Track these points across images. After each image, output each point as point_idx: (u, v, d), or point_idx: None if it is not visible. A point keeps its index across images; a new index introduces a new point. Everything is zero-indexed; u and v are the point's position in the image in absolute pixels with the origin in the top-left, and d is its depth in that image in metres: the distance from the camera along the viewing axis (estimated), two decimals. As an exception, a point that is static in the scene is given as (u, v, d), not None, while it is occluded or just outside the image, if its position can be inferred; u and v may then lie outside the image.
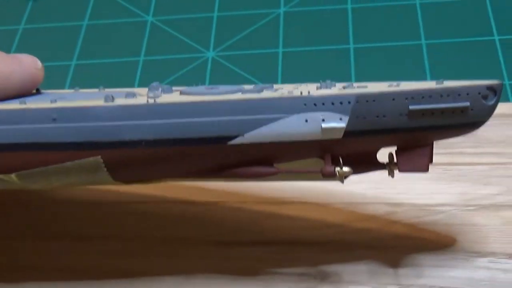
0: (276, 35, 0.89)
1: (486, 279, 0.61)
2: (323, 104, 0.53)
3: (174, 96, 0.57)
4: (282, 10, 0.92)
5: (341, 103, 0.53)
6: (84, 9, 0.95)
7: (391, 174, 0.58)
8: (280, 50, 0.87)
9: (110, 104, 0.55)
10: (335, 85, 0.57)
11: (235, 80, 0.84)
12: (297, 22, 0.90)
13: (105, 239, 0.67)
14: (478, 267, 0.62)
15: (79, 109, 0.55)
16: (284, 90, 0.57)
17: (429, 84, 0.54)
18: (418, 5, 0.90)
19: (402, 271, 0.63)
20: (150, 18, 0.93)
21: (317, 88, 0.55)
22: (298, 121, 0.53)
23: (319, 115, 0.53)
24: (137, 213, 0.69)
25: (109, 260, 0.66)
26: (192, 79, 0.85)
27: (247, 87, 0.59)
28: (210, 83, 0.84)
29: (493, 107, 0.54)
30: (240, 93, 0.56)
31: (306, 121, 0.53)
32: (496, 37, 0.85)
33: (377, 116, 0.53)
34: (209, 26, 0.91)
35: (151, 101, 0.55)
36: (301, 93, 0.53)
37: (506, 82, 0.81)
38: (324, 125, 0.53)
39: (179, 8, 0.94)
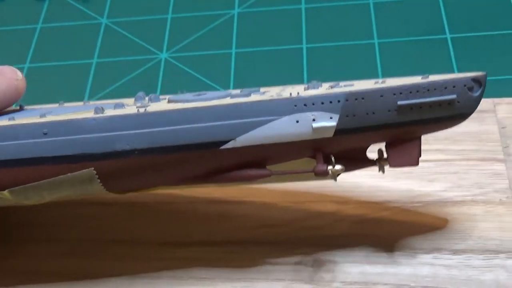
0: (230, 36, 0.90)
1: (430, 275, 0.62)
2: (313, 104, 0.54)
3: (163, 105, 0.57)
4: (236, 11, 0.92)
5: (330, 102, 0.54)
6: (38, 12, 0.95)
7: (382, 170, 0.59)
8: (234, 50, 0.88)
9: (100, 115, 0.55)
10: (321, 85, 0.58)
11: (188, 81, 0.85)
12: (251, 22, 0.91)
13: (54, 241, 0.67)
14: (422, 263, 0.63)
15: (70, 122, 0.55)
16: (272, 92, 0.58)
17: (416, 79, 0.56)
18: (371, 4, 0.90)
19: (345, 268, 0.63)
20: (104, 20, 0.93)
21: (305, 89, 0.57)
22: (289, 122, 0.54)
23: (309, 115, 0.54)
24: (86, 215, 0.69)
25: (57, 262, 0.66)
26: (145, 80, 0.86)
27: (234, 92, 0.60)
28: (163, 85, 0.85)
29: (479, 98, 0.56)
30: (229, 98, 0.57)
31: (297, 121, 0.55)
32: (448, 35, 0.86)
33: (367, 113, 0.55)
34: (163, 27, 0.92)
35: (141, 110, 0.55)
36: (290, 94, 0.55)
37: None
38: (315, 124, 0.55)
39: (133, 10, 0.94)
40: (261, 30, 0.90)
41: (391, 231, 0.65)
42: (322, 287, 0.62)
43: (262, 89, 0.61)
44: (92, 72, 0.87)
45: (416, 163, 0.58)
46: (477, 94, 0.56)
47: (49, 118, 0.56)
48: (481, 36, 0.86)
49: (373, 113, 0.55)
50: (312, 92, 0.55)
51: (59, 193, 0.57)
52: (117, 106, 0.58)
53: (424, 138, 0.67)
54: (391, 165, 0.58)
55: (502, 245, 0.63)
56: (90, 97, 0.84)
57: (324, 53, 0.86)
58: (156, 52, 0.89)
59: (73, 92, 0.85)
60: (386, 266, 0.63)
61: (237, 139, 0.55)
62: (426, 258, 0.63)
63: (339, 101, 0.55)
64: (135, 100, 0.62)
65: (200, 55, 0.87)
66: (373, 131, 0.56)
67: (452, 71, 0.82)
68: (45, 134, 0.55)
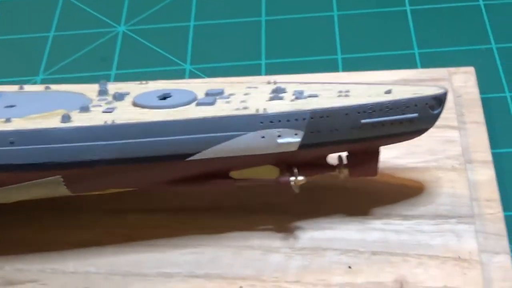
0: (188, 9, 0.89)
1: (379, 240, 0.62)
2: (279, 121, 0.57)
3: (129, 111, 0.59)
4: (195, -17, 0.92)
5: (296, 120, 0.57)
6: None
7: (341, 175, 0.61)
8: (192, 23, 0.88)
9: (67, 125, 0.57)
10: (285, 91, 0.60)
11: (146, 54, 0.84)
12: (211, -5, 0.90)
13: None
14: (372, 229, 0.63)
15: (36, 132, 0.57)
16: (237, 96, 0.60)
17: (378, 95, 0.58)
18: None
19: (295, 234, 0.63)
20: (61, -6, 0.93)
21: (270, 99, 0.59)
22: (255, 137, 0.57)
23: (275, 131, 0.57)
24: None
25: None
26: (102, 53, 0.85)
27: (200, 95, 0.61)
28: (120, 58, 0.84)
29: (439, 114, 0.59)
30: (194, 105, 0.59)
31: (263, 137, 0.57)
32: (408, 7, 0.87)
33: (331, 130, 0.57)
34: (121, 0, 0.91)
35: (109, 122, 0.57)
36: (257, 111, 0.57)
37: (416, 51, 0.81)
38: (280, 140, 0.57)
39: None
40: (220, 2, 0.89)
41: (341, 197, 0.65)
42: (271, 253, 0.62)
43: (226, 90, 0.62)
44: (48, 45, 0.87)
45: (375, 174, 0.61)
46: (437, 111, 0.59)
47: (15, 124, 0.57)
48: (439, 8, 0.86)
49: (337, 130, 0.57)
50: (277, 107, 0.57)
51: (27, 195, 0.59)
52: (82, 108, 0.59)
53: None
54: (351, 176, 0.61)
55: (453, 210, 0.63)
56: (46, 71, 0.83)
57: (283, 26, 0.86)
58: (114, 25, 0.88)
59: (29, 66, 0.84)
60: (335, 231, 0.63)
61: (203, 152, 0.57)
62: (376, 223, 0.63)
63: (304, 119, 0.57)
64: (98, 93, 0.63)
65: (158, 28, 0.87)
66: (336, 146, 0.59)
67: (411, 43, 0.82)
68: (11, 143, 0.57)
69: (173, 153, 0.57)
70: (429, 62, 0.79)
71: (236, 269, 0.61)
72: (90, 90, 0.64)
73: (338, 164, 0.61)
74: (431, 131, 0.65)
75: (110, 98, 0.62)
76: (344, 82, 0.63)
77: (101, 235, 0.64)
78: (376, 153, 0.60)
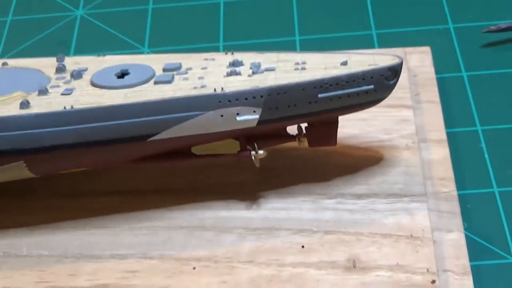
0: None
1: (332, 220, 0.62)
2: (237, 100, 0.57)
3: (87, 92, 0.59)
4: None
5: (254, 97, 0.57)
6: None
7: (301, 144, 0.62)
8: (150, 6, 0.87)
9: (27, 112, 0.57)
10: (242, 63, 0.61)
11: (104, 38, 0.84)
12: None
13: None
14: (325, 208, 0.63)
15: None
16: (194, 70, 0.60)
17: (335, 67, 0.59)
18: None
19: (247, 214, 0.63)
20: (19, -23, 0.92)
21: (227, 74, 0.60)
22: (214, 116, 0.57)
23: (233, 110, 0.57)
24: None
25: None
26: (61, 37, 0.85)
27: (157, 70, 0.61)
28: (78, 42, 0.84)
29: (394, 84, 0.60)
30: (152, 84, 0.59)
31: (222, 116, 0.57)
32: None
33: (288, 106, 0.58)
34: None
35: (68, 107, 0.57)
36: (215, 90, 0.57)
37: (373, 31, 0.82)
38: (239, 118, 0.58)
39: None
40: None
41: (294, 177, 0.65)
42: (224, 234, 0.62)
43: (184, 63, 0.62)
44: (6, 30, 0.86)
45: (334, 143, 0.62)
46: (393, 82, 0.59)
47: None
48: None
49: (295, 105, 0.58)
50: (235, 84, 0.58)
51: None
52: (41, 92, 0.60)
53: None
54: (310, 146, 0.62)
55: (406, 189, 0.63)
56: (3, 55, 0.83)
57: (242, 8, 0.86)
58: (72, 9, 0.88)
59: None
60: (289, 211, 0.63)
61: (164, 132, 0.58)
62: (330, 203, 0.63)
63: (261, 96, 0.57)
64: (56, 70, 0.63)
65: (116, 11, 0.87)
66: (294, 119, 0.59)
67: (369, 24, 0.82)
68: None
69: (133, 135, 0.58)
70: (386, 42, 0.80)
71: (190, 250, 0.61)
72: (48, 65, 0.64)
73: (297, 134, 0.62)
74: (386, 110, 0.67)
75: (68, 77, 0.62)
76: (299, 52, 0.64)
77: (54, 218, 0.64)
78: (335, 124, 0.61)
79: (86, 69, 0.63)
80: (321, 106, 0.59)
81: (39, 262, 0.61)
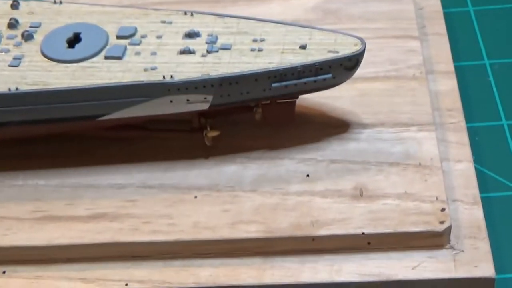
0: None
1: (338, 149, 0.62)
2: (187, 89, 0.57)
3: (35, 68, 0.59)
4: None
5: (204, 87, 0.57)
6: None
7: (257, 116, 0.61)
8: None
9: None
10: (199, 35, 0.60)
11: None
12: None
13: None
14: (331, 138, 0.63)
15: None
16: (148, 41, 0.60)
17: (293, 51, 0.58)
18: None
19: (249, 144, 0.62)
20: None
21: (180, 51, 0.59)
22: (163, 102, 0.57)
23: (183, 97, 0.57)
24: None
25: None
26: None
27: (112, 34, 0.61)
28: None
29: (355, 71, 0.59)
30: (102, 58, 0.59)
31: (171, 101, 0.57)
32: None
33: (241, 93, 0.57)
34: None
35: (13, 88, 0.57)
36: (163, 77, 0.57)
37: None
38: (189, 104, 0.57)
39: None
40: None
41: (299, 107, 0.63)
42: (226, 163, 0.62)
43: (139, 29, 0.61)
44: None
45: (292, 121, 0.60)
46: (353, 71, 0.58)
47: None
48: None
49: (248, 92, 0.57)
50: (187, 67, 0.57)
51: None
52: None
53: (337, 17, 0.70)
54: (267, 123, 0.61)
55: (414, 118, 0.63)
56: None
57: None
58: None
59: None
60: (292, 140, 0.62)
61: (112, 114, 0.58)
62: (335, 132, 0.63)
63: (212, 86, 0.56)
64: (8, 25, 0.62)
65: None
66: (248, 103, 0.59)
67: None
68: None
69: (81, 115, 0.58)
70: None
71: (191, 179, 0.60)
72: (2, 11, 0.64)
73: (255, 106, 0.61)
74: (391, 41, 0.67)
75: (19, 38, 0.61)
76: (261, 19, 0.62)
77: (53, 149, 0.63)
78: (292, 103, 0.60)
79: (39, 25, 0.62)
80: (275, 93, 0.58)
81: (35, 191, 0.61)
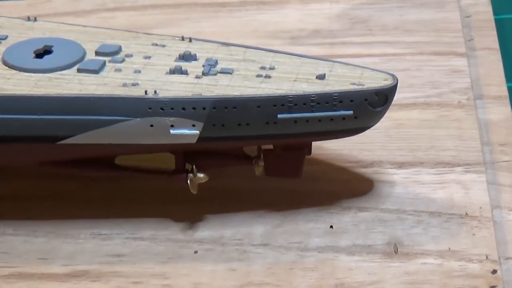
0: None
1: (368, 193, 0.59)
2: (172, 109, 0.52)
3: None
4: None
5: (194, 108, 0.52)
6: None
7: (257, 170, 0.57)
8: None
9: None
10: (196, 58, 0.56)
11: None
12: None
13: None
14: (360, 179, 0.60)
15: None
16: (133, 61, 0.55)
17: (307, 80, 0.53)
18: None
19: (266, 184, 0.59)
20: None
21: (170, 71, 0.54)
22: (142, 125, 0.53)
23: (167, 120, 0.52)
24: None
25: None
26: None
27: (90, 52, 0.57)
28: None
29: (383, 112, 0.54)
30: (74, 71, 0.55)
31: (152, 126, 0.52)
32: None
33: (239, 124, 0.52)
34: None
35: None
36: (146, 92, 0.52)
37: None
38: (173, 131, 0.52)
39: None
40: None
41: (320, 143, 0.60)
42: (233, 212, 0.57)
43: (125, 48, 0.57)
44: None
45: (299, 175, 0.57)
46: (380, 109, 0.53)
47: None
48: None
49: (247, 124, 0.52)
50: (175, 86, 0.53)
51: None
52: None
53: (367, 27, 0.69)
54: (267, 174, 0.57)
55: (459, 156, 0.61)
56: None
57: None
58: None
59: None
60: (314, 183, 0.59)
61: (77, 136, 0.53)
62: (364, 173, 0.60)
63: (204, 108, 0.52)
64: None
65: None
66: (245, 141, 0.54)
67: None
68: None
69: (38, 135, 0.53)
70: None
71: (190, 229, 0.57)
72: None
73: (256, 156, 0.57)
74: (433, 58, 0.65)
75: None
76: (273, 50, 0.57)
77: (23, 190, 0.61)
78: (301, 151, 0.56)
79: (5, 38, 0.58)
80: (281, 129, 0.53)
81: (2, 242, 0.58)
